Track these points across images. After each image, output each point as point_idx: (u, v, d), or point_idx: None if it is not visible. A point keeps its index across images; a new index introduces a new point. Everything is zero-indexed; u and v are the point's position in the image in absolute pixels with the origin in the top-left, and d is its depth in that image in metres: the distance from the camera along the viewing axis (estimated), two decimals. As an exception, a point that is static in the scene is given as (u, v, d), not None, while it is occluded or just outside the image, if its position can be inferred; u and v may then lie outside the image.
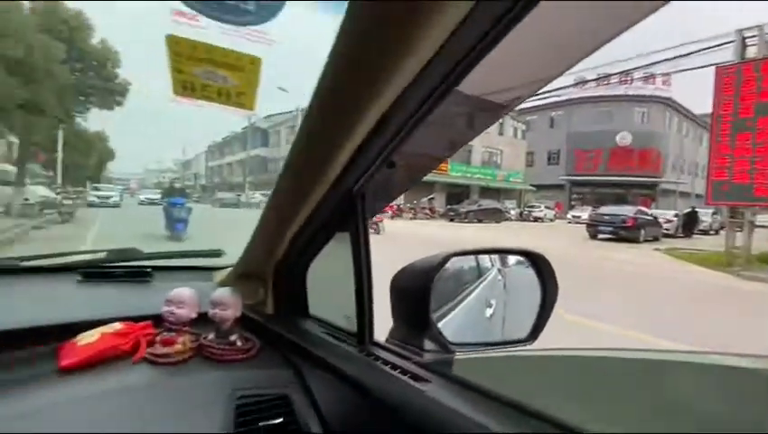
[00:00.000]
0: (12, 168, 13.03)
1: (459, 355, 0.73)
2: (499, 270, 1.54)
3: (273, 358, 0.81)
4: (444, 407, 0.53)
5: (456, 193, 25.62)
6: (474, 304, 1.17)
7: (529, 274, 1.12)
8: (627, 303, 5.08)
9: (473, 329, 1.18)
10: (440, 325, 0.83)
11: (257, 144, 35.75)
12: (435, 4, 0.39)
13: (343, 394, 0.68)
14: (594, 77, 22.99)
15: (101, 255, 1.04)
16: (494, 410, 0.51)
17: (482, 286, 1.28)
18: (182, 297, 0.78)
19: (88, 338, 0.73)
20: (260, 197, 26.75)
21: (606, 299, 5.16)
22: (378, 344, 0.74)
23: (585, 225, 15.56)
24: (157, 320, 0.80)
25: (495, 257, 1.59)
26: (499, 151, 30.25)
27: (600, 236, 14.11)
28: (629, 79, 25.06)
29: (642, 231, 14.10)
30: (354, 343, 0.75)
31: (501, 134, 29.63)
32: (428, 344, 0.72)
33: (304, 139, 0.62)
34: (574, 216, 23.49)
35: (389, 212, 16.18)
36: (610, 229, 13.92)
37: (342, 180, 0.65)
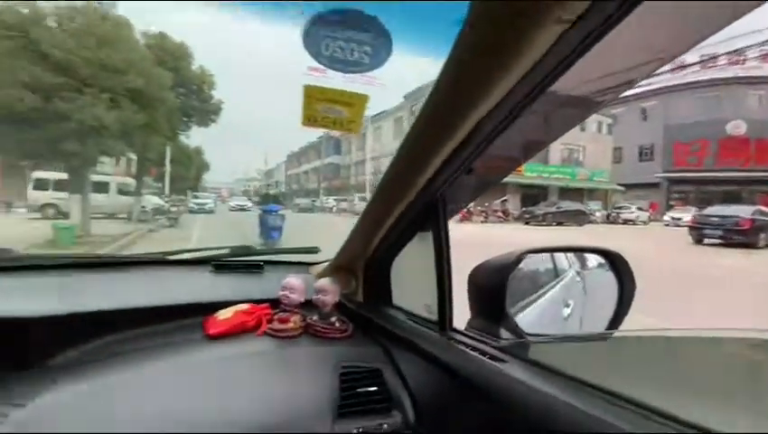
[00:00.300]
0: (132, 181, 15.51)
1: (534, 343, 0.78)
2: (577, 272, 1.52)
3: (365, 339, 0.94)
4: (521, 383, 0.59)
5: (532, 195, 24.18)
6: (550, 303, 1.19)
7: (611, 277, 1.11)
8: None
9: (549, 328, 1.19)
10: (516, 319, 0.89)
11: (330, 152, 37.71)
12: (548, 6, 0.41)
13: (427, 371, 0.77)
14: (697, 59, 20.11)
15: (225, 251, 1.27)
16: (570, 388, 0.55)
17: (558, 286, 1.29)
18: (293, 285, 0.96)
19: (225, 314, 0.92)
20: (333, 202, 28.18)
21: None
22: (457, 331, 0.82)
23: (687, 228, 13.59)
24: (273, 303, 0.98)
25: (573, 259, 1.58)
26: (580, 148, 27.89)
27: (706, 241, 12.28)
28: (741, 58, 21.34)
29: (763, 235, 11.92)
30: (435, 329, 0.84)
31: (582, 129, 27.18)
32: (504, 334, 0.78)
33: (403, 155, 0.73)
34: (673, 218, 20.44)
35: (458, 215, 15.78)
36: (719, 232, 11.97)
37: (428, 187, 0.75)
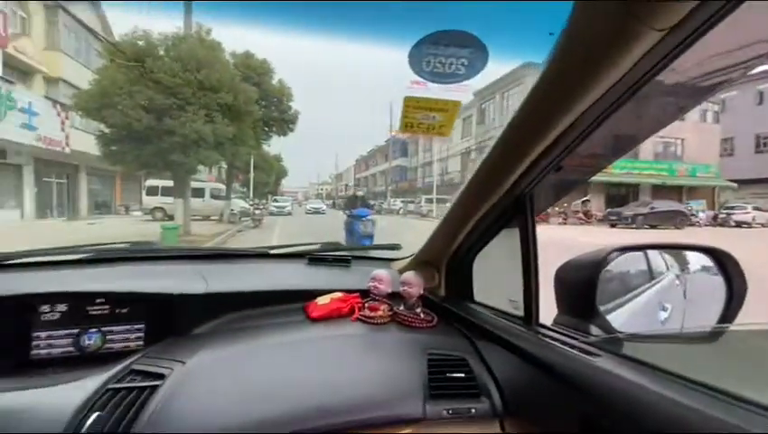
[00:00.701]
0: (223, 187, 17.37)
1: (628, 341, 0.76)
2: (677, 275, 1.41)
3: (449, 330, 0.99)
4: (615, 376, 0.59)
5: (618, 195, 21.85)
6: (644, 306, 1.13)
7: (717, 282, 1.01)
8: None
9: (643, 331, 1.13)
10: (608, 317, 0.87)
11: (397, 154, 38.24)
12: (643, 17, 0.42)
13: (513, 362, 0.80)
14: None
15: (317, 246, 1.42)
16: (671, 383, 0.54)
17: (654, 288, 1.21)
18: (382, 277, 1.04)
19: (323, 300, 1.04)
20: (400, 204, 28.52)
21: None
22: (544, 326, 0.83)
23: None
24: (362, 293, 1.08)
25: (672, 261, 1.45)
26: (678, 141, 24.55)
27: None
28: None
29: None
30: (521, 323, 0.86)
31: (682, 119, 23.98)
32: (594, 331, 0.78)
33: (494, 154, 0.76)
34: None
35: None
36: None
37: (516, 185, 0.78)
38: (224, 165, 16.38)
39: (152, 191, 16.48)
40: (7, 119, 10.97)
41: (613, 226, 16.94)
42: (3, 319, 0.86)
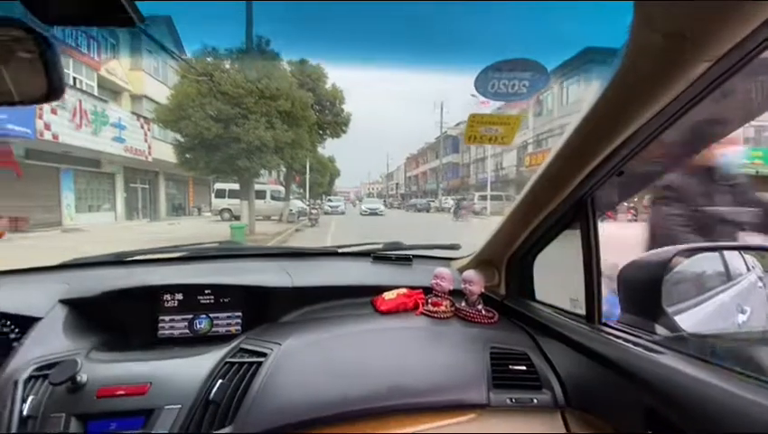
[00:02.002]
0: (282, 188, 18.40)
1: (696, 340, 0.76)
2: (760, 277, 1.33)
3: (510, 326, 1.04)
4: (679, 372, 0.61)
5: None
6: (719, 308, 1.09)
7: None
8: None
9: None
10: (676, 318, 0.87)
11: (448, 151, 37.70)
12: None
13: (575, 358, 0.83)
14: None
15: (380, 246, 1.52)
16: (743, 382, 0.55)
17: (731, 290, 1.16)
18: (444, 274, 1.12)
19: (390, 295, 1.14)
20: (452, 202, 28.11)
21: None
22: (607, 324, 0.85)
23: None
24: (425, 290, 1.16)
25: (754, 262, 1.37)
26: (771, 125, 21.43)
27: None
28: None
29: None
30: (583, 321, 0.89)
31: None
32: (660, 330, 0.79)
33: (559, 157, 0.80)
34: None
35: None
36: None
37: (578, 188, 0.81)
38: (283, 168, 17.29)
39: (220, 193, 17.92)
40: (102, 134, 12.56)
41: (691, 221, 15.10)
42: (136, 305, 1.07)
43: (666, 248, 0.85)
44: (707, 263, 1.21)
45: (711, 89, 0.54)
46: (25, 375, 0.79)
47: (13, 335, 0.94)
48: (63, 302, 1.01)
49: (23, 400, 0.75)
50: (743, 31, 0.44)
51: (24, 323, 0.95)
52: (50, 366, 0.81)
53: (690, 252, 0.96)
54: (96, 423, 0.74)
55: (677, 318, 0.88)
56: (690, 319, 0.95)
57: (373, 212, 21.36)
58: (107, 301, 1.03)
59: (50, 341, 0.91)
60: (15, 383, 0.77)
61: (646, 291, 0.83)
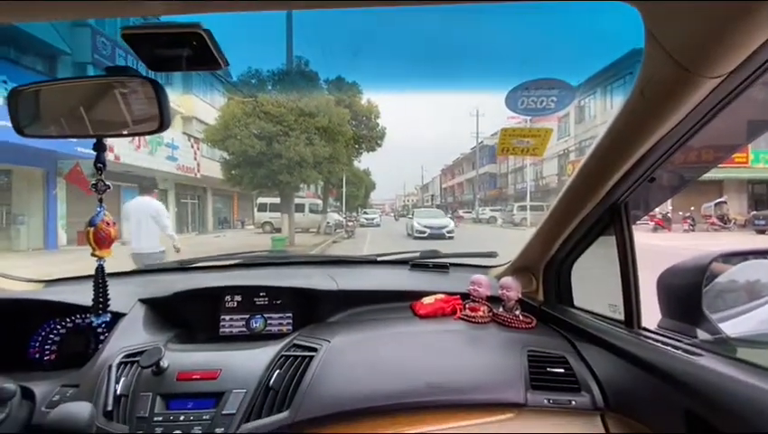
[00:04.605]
0: (319, 202, 18.96)
1: (738, 344, 0.76)
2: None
3: (548, 331, 1.06)
4: (719, 374, 0.61)
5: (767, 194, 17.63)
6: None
7: None
8: None
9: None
10: (721, 325, 0.86)
11: (484, 161, 37.12)
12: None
13: (614, 362, 0.84)
14: None
15: (417, 254, 1.59)
16: None
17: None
18: (481, 281, 1.16)
19: (428, 300, 1.20)
20: (490, 213, 27.55)
21: None
22: (646, 329, 0.86)
23: None
24: (462, 296, 1.20)
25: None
26: None
27: None
28: None
29: None
30: (621, 326, 0.90)
31: None
32: (702, 335, 0.79)
33: (590, 164, 0.84)
34: None
35: (651, 223, 12.86)
36: None
37: (610, 194, 0.84)
38: (321, 182, 17.81)
39: (262, 207, 18.75)
40: (158, 153, 13.65)
41: (762, 232, 13.51)
42: (202, 305, 1.20)
43: (703, 253, 0.85)
44: (762, 270, 1.16)
45: (735, 94, 0.56)
46: (117, 361, 0.93)
47: (102, 328, 1.10)
48: (142, 301, 1.16)
49: (117, 381, 0.88)
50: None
51: (112, 318, 1.10)
52: (135, 354, 0.95)
53: (728, 257, 0.94)
54: (176, 402, 0.86)
55: (723, 325, 0.87)
56: (739, 326, 0.93)
57: (437, 235, 13.40)
58: (177, 301, 1.18)
59: (133, 333, 1.05)
60: (110, 368, 0.91)
61: (685, 296, 0.83)
